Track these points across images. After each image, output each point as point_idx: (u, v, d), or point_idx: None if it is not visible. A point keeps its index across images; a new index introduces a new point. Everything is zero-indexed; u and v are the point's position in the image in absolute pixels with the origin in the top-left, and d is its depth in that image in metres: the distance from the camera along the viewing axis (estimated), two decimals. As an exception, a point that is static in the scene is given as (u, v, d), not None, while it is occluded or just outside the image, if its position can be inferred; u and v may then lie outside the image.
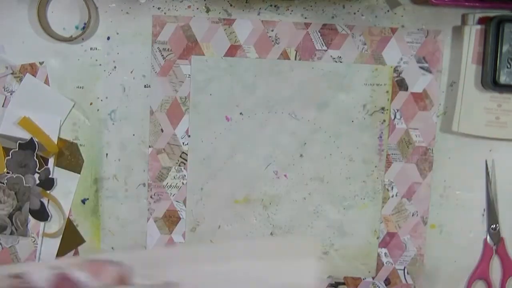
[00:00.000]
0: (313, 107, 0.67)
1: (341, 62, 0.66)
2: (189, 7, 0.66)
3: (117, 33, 0.67)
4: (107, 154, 0.68)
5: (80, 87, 0.68)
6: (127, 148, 0.68)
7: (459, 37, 0.64)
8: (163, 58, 0.67)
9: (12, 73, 0.67)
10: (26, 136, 0.67)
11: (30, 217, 0.68)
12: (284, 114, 0.67)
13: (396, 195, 0.68)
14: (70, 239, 0.69)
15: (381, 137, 0.67)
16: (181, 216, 0.68)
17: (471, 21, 0.64)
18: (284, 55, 0.67)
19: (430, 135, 0.67)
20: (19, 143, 0.67)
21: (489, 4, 0.62)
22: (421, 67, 0.66)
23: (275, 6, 0.66)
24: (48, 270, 0.54)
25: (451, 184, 0.68)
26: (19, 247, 0.69)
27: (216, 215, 0.69)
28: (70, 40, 0.66)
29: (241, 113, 0.68)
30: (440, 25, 0.65)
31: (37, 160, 0.67)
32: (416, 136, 0.67)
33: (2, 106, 0.67)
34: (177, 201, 0.69)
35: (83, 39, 0.66)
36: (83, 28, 0.66)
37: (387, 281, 0.69)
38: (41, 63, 0.67)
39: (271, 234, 0.69)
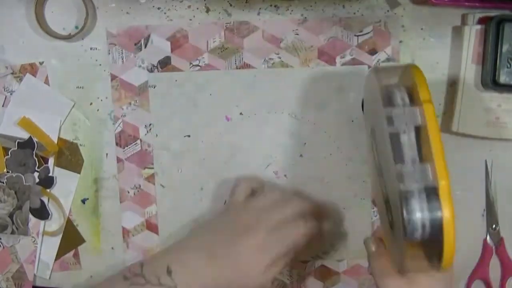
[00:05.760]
0: (313, 107, 0.67)
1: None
2: (189, 7, 0.66)
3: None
4: (107, 154, 0.68)
5: (80, 87, 0.68)
6: (127, 148, 0.68)
7: (459, 37, 0.64)
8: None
9: (12, 73, 0.67)
10: (26, 135, 0.67)
11: (30, 216, 0.68)
12: (284, 114, 0.67)
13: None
14: (70, 239, 0.69)
15: (381, 137, 0.67)
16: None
17: (471, 21, 0.63)
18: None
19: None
20: (18, 142, 0.67)
21: (489, 4, 0.62)
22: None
23: (275, 6, 0.66)
24: None
25: (451, 184, 0.67)
26: (19, 246, 0.69)
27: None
28: (68, 37, 0.66)
29: (241, 113, 0.68)
30: (440, 25, 0.65)
31: (36, 159, 0.67)
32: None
33: (2, 106, 0.67)
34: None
35: (82, 38, 0.67)
36: (83, 27, 0.66)
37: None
38: (41, 63, 0.67)
39: (271, 234, 0.69)
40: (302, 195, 0.66)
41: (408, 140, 0.49)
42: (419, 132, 0.49)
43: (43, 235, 0.69)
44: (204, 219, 0.64)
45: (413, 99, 0.50)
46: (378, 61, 0.66)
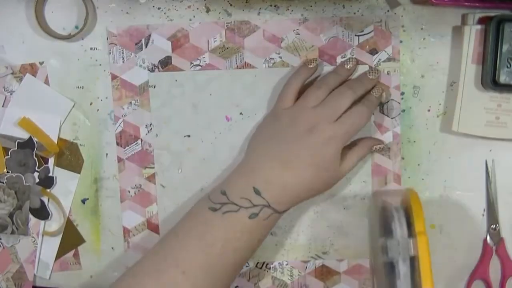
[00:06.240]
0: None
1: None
2: (189, 7, 0.66)
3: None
4: (107, 154, 0.68)
5: (80, 87, 0.68)
6: (127, 148, 0.68)
7: (459, 37, 0.64)
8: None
9: (12, 73, 0.67)
10: (26, 135, 0.67)
11: (30, 216, 0.68)
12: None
13: (396, 195, 0.68)
14: (70, 239, 0.69)
15: (381, 137, 0.67)
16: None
17: (471, 21, 0.64)
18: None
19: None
20: (18, 142, 0.67)
21: (489, 4, 0.62)
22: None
23: (275, 6, 0.66)
24: None
25: (451, 184, 0.68)
26: (19, 246, 0.69)
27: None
28: (68, 37, 0.66)
29: (241, 113, 0.68)
30: (440, 25, 0.66)
31: (36, 159, 0.67)
32: (416, 136, 0.67)
33: (2, 106, 0.67)
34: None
35: (82, 38, 0.66)
36: (83, 27, 0.66)
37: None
38: (41, 63, 0.67)
39: (271, 234, 0.69)
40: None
41: (400, 269, 0.56)
42: (412, 261, 0.56)
43: (43, 235, 0.69)
44: (258, 132, 0.64)
45: (409, 229, 0.57)
46: (379, 61, 0.66)
